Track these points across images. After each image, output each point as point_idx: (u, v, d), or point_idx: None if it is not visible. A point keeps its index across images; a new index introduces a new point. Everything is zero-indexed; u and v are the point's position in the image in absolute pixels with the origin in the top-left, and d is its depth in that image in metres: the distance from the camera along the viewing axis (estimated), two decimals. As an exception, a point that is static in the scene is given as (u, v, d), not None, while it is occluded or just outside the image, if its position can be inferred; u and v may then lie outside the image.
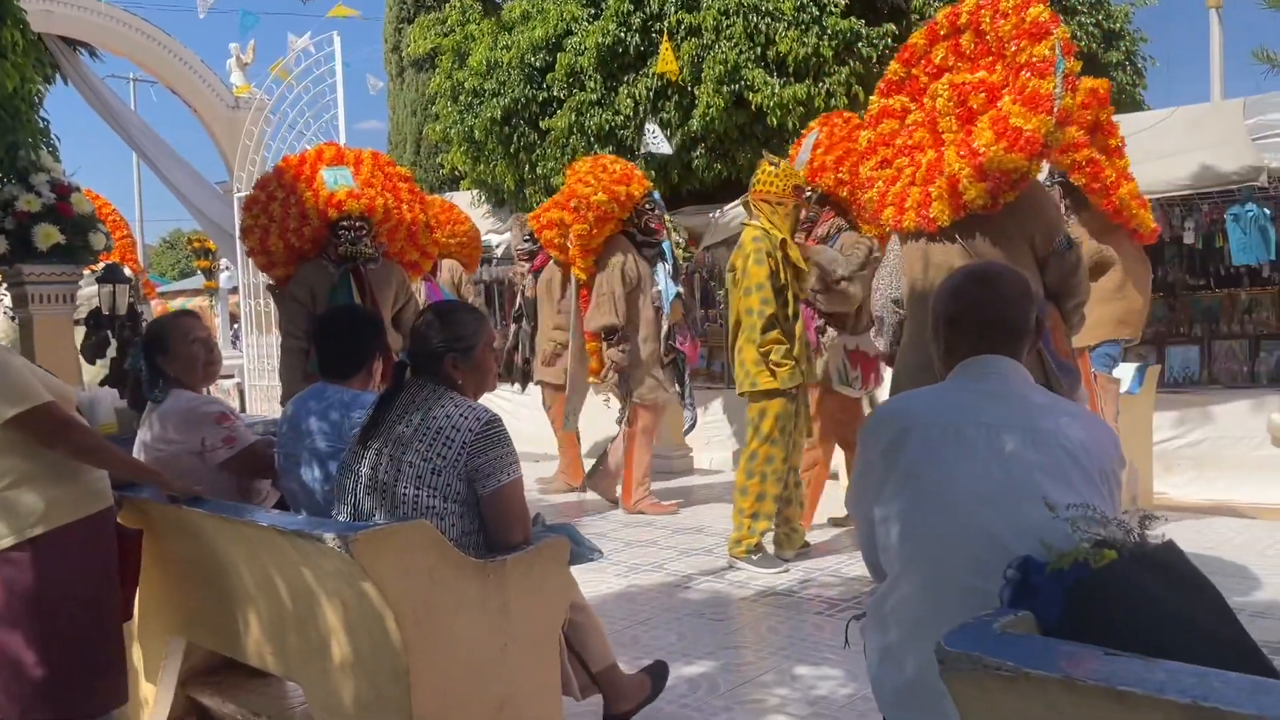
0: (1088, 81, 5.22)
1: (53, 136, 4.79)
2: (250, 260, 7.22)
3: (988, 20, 3.79)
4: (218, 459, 3.40)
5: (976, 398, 1.93)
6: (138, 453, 3.45)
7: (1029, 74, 3.65)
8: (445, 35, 11.20)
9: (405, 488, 2.75)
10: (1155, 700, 1.23)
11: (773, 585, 4.89)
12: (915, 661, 1.84)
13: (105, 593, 2.91)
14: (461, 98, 10.09)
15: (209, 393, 3.87)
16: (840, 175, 5.50)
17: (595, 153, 7.87)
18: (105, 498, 2.90)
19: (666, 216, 6.66)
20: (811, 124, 6.12)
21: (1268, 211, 6.41)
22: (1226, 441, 6.70)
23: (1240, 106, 6.94)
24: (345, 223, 5.36)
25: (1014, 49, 3.73)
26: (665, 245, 6.46)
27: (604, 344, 6.27)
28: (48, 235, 5.53)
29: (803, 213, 5.46)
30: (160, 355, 3.49)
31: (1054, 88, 3.55)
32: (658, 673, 3.43)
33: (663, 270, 6.40)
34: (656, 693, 3.39)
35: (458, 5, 11.66)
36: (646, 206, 6.37)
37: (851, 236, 5.51)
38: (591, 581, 4.54)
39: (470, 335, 2.92)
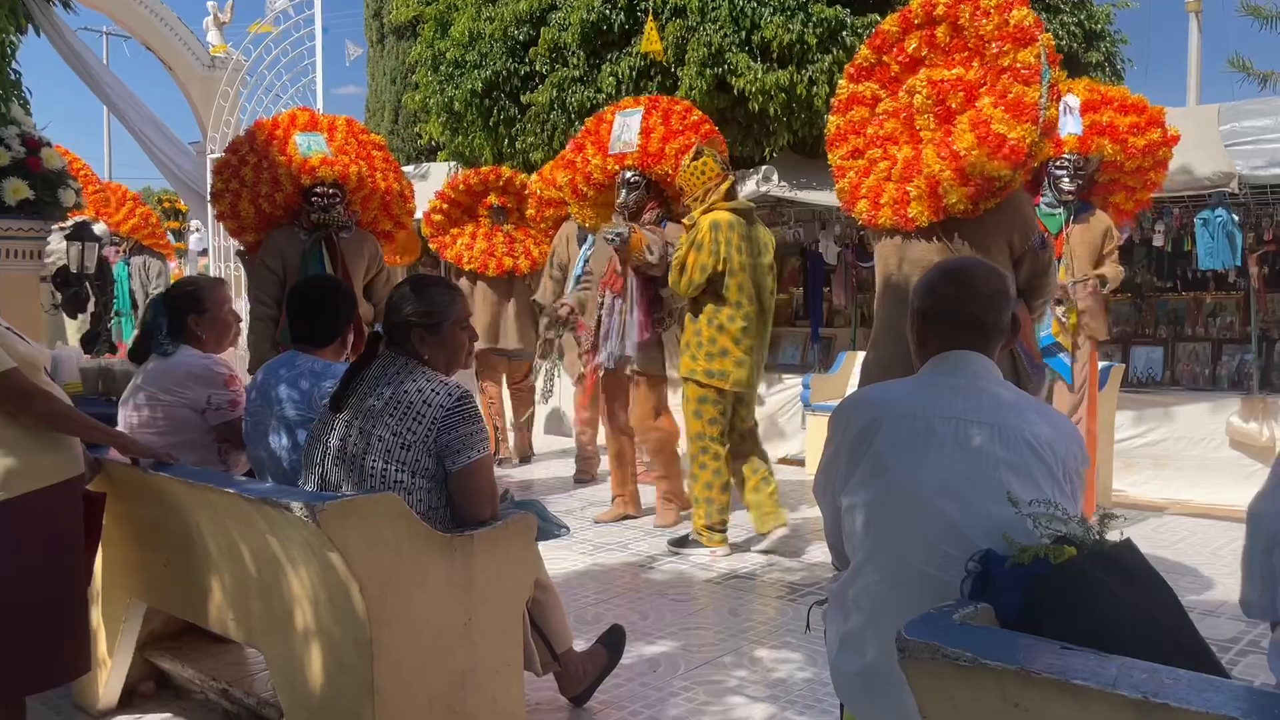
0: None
1: (24, 90, 4.70)
2: (221, 224, 7.14)
3: (967, 16, 3.78)
4: (218, 419, 3.42)
5: (946, 393, 1.94)
6: (130, 397, 3.45)
7: (1011, 79, 3.66)
8: (428, 3, 11.08)
9: (374, 461, 2.75)
10: (1107, 695, 1.26)
11: (735, 568, 4.93)
12: (875, 648, 1.86)
13: (70, 561, 2.87)
14: (442, 68, 10.00)
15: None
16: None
17: (575, 130, 7.84)
18: (75, 465, 2.86)
19: None
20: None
21: (1236, 218, 6.49)
22: (1185, 442, 6.81)
23: (1215, 112, 7.00)
24: (319, 189, 5.30)
25: (995, 50, 3.72)
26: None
27: None
28: (16, 190, 5.43)
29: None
30: (194, 315, 3.50)
31: (1040, 96, 3.58)
32: (614, 640, 3.46)
33: None
34: (616, 657, 3.42)
35: (442, -28, 11.54)
36: None
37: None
38: (557, 559, 4.56)
39: (439, 310, 2.90)
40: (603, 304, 5.70)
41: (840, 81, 4.22)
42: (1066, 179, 5.16)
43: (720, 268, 4.95)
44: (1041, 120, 3.58)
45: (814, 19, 8.07)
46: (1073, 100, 5.17)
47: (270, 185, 5.28)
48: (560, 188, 6.29)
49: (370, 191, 5.64)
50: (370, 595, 2.57)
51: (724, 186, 5.12)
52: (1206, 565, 4.85)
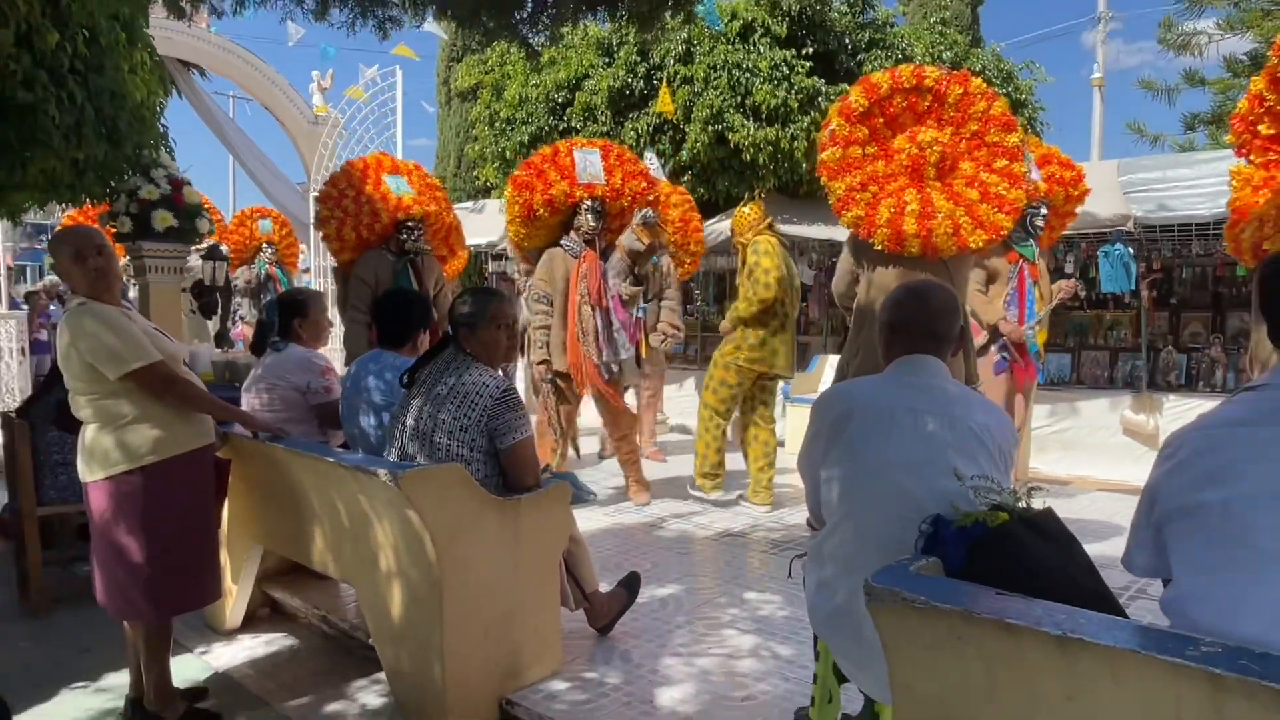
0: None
1: (170, 140, 4.73)
2: (323, 245, 7.14)
3: (955, 94, 3.74)
4: (315, 400, 3.44)
5: (906, 389, 1.93)
6: (252, 385, 3.46)
7: (998, 153, 3.74)
8: (486, 73, 11.09)
9: (440, 437, 2.76)
10: (1034, 631, 1.25)
11: (729, 528, 4.92)
12: (845, 592, 1.85)
13: (203, 512, 2.89)
14: (496, 124, 10.01)
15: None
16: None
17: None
18: (207, 436, 2.87)
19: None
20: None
21: (1131, 251, 6.44)
22: (1088, 430, 6.76)
23: (1115, 166, 6.95)
24: (410, 223, 5.33)
25: (977, 127, 3.73)
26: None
27: None
28: (163, 219, 5.46)
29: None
30: (298, 318, 3.51)
31: (1027, 171, 3.74)
32: (632, 583, 3.46)
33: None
34: (633, 597, 3.41)
35: (497, 49, 11.54)
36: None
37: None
38: (585, 518, 4.56)
39: (476, 313, 2.88)
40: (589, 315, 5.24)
41: (836, 119, 3.96)
42: (1039, 219, 5.15)
43: (782, 273, 5.06)
44: (1027, 186, 3.78)
45: (795, 87, 8.07)
46: (1030, 156, 5.18)
47: (370, 216, 5.27)
48: (514, 204, 5.49)
49: (439, 225, 5.68)
50: (439, 544, 2.58)
51: (766, 222, 5.27)
52: (1105, 528, 4.82)
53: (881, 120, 3.85)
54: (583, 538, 3.26)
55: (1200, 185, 6.40)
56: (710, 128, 8.15)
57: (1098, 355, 7.38)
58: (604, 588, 3.36)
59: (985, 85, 3.88)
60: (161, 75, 4.31)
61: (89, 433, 2.68)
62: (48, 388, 3.97)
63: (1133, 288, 6.61)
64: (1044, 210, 5.14)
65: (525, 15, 3.20)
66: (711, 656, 3.14)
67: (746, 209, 5.34)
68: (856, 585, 1.62)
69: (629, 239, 5.14)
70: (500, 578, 2.76)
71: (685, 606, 3.65)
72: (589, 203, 5.25)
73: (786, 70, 8.15)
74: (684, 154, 8.40)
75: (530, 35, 3.29)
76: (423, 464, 2.71)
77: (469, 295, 2.95)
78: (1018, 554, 1.51)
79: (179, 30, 8.96)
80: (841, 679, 1.99)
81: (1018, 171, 3.75)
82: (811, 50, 8.47)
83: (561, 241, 5.33)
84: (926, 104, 3.79)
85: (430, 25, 9.30)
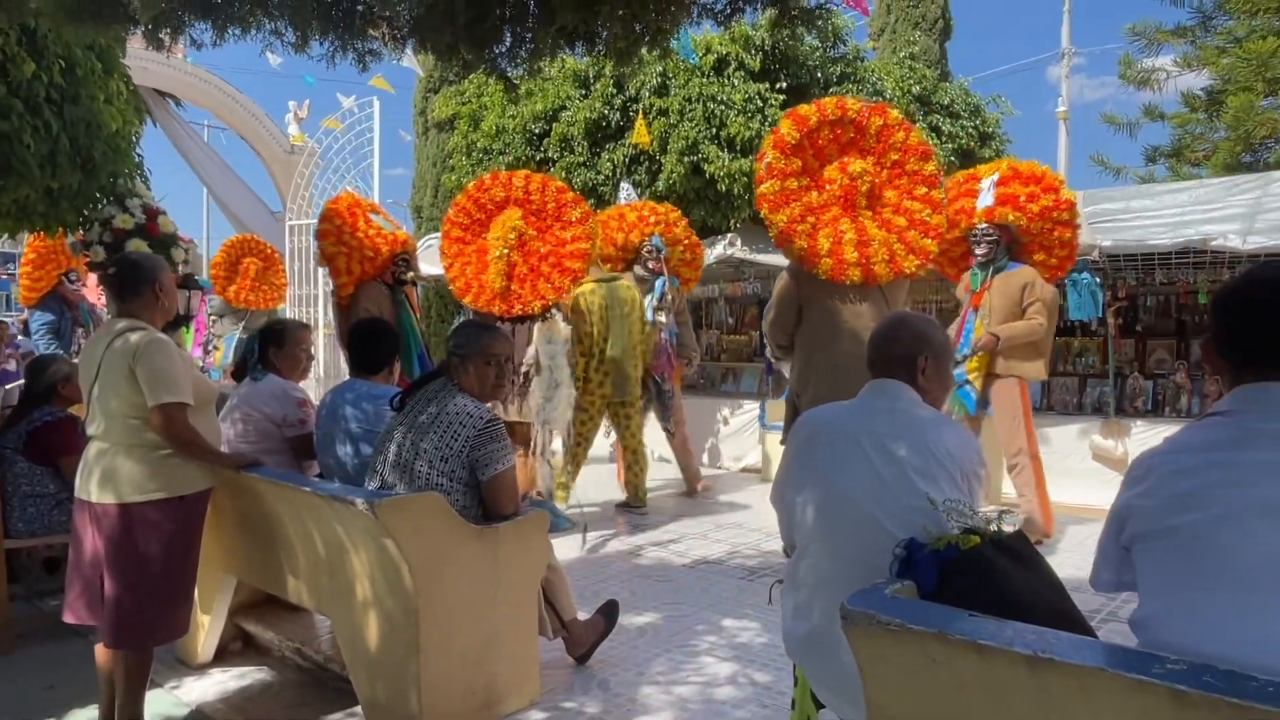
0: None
1: (145, 169, 4.72)
2: (300, 275, 7.13)
3: (875, 125, 3.87)
4: (291, 432, 3.42)
5: (875, 414, 1.96)
6: (227, 414, 3.45)
7: (917, 181, 3.85)
8: (463, 104, 11.16)
9: (421, 466, 2.75)
10: (1005, 651, 1.27)
11: (706, 555, 4.92)
12: (819, 614, 1.86)
13: (198, 547, 2.91)
14: (474, 154, 10.07)
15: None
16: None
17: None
18: (214, 478, 2.96)
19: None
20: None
21: (1098, 279, 6.57)
22: (1059, 455, 6.84)
23: (1081, 197, 7.10)
24: (404, 256, 5.53)
25: (897, 157, 3.87)
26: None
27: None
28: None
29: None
30: (274, 348, 3.50)
31: (943, 197, 3.83)
32: (610, 611, 3.45)
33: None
34: (611, 625, 3.40)
35: (475, 80, 11.64)
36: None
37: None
38: (564, 547, 4.54)
39: (467, 345, 2.90)
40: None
41: (771, 152, 4.10)
42: (977, 245, 5.11)
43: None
44: (946, 211, 3.85)
45: (769, 119, 8.19)
46: (986, 182, 5.08)
47: (373, 250, 5.41)
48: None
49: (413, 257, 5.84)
50: (416, 573, 2.57)
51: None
52: (1076, 551, 4.88)
53: (811, 152, 3.99)
54: (561, 566, 3.25)
55: (1162, 216, 6.56)
56: (686, 159, 8.25)
57: (1067, 382, 7.49)
58: (582, 616, 3.34)
59: (902, 117, 4.02)
60: (137, 105, 4.31)
61: (113, 454, 2.69)
62: (16, 418, 3.91)
63: (1100, 315, 6.74)
64: (984, 234, 5.03)
65: (504, 49, 3.25)
66: (690, 684, 3.13)
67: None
68: (830, 609, 1.63)
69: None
70: (478, 607, 2.75)
71: (663, 634, 3.64)
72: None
73: (760, 103, 8.28)
74: (660, 184, 8.49)
75: (508, 68, 3.34)
76: (401, 493, 2.70)
77: (464, 328, 2.97)
78: (989, 576, 1.53)
79: (155, 60, 8.97)
80: (819, 705, 2.00)
81: (937, 198, 3.87)
82: (785, 84, 8.62)
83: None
84: (850, 135, 3.94)
85: (409, 59, 9.36)
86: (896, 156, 3.89)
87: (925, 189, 3.89)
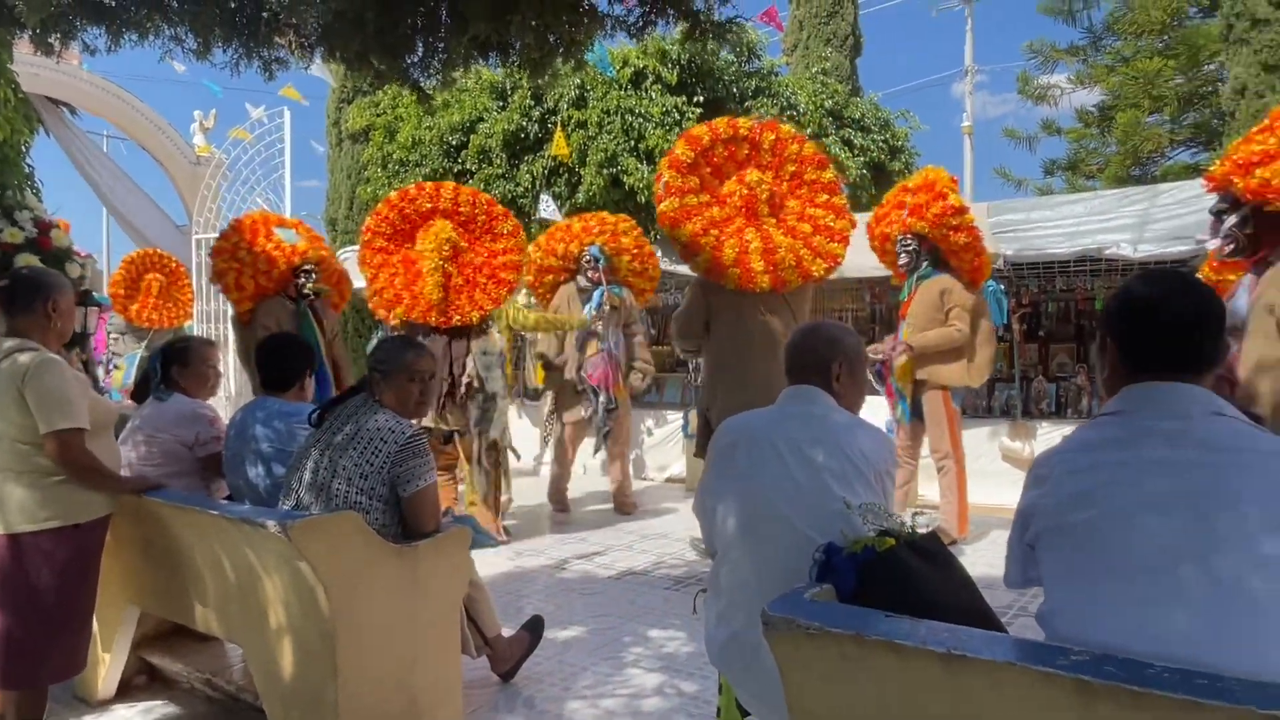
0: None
1: (37, 181, 4.48)
2: (212, 292, 6.87)
3: (769, 140, 3.98)
4: (205, 452, 3.28)
5: (792, 419, 1.99)
6: (129, 436, 3.29)
7: (819, 189, 3.97)
8: (378, 115, 10.97)
9: (339, 485, 2.67)
10: (920, 650, 1.30)
11: (632, 567, 4.91)
12: (741, 620, 1.87)
13: (96, 577, 2.78)
14: (390, 166, 9.90)
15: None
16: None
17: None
18: (114, 504, 2.83)
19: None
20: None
21: (1002, 287, 6.82)
22: (971, 457, 7.03)
23: (985, 208, 7.38)
24: (306, 268, 5.32)
25: (795, 168, 3.98)
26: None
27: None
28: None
29: None
30: (178, 366, 3.35)
31: (844, 201, 3.97)
32: (535, 626, 3.41)
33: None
34: (536, 640, 3.36)
35: (389, 91, 11.46)
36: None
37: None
38: (487, 563, 4.47)
39: (389, 361, 2.84)
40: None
41: (667, 171, 4.15)
42: (900, 256, 5.16)
43: None
44: (848, 216, 3.98)
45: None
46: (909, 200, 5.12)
47: (267, 264, 5.23)
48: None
49: (329, 270, 5.63)
50: (333, 595, 2.48)
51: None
52: (989, 549, 5.04)
53: (708, 170, 4.08)
54: (483, 582, 3.20)
55: (1060, 226, 6.87)
56: (605, 171, 8.28)
57: (977, 386, 7.77)
58: (507, 632, 3.29)
59: (794, 130, 4.17)
60: (26, 113, 4.09)
61: (1, 481, 2.54)
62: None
63: (1005, 322, 7.00)
64: (903, 244, 5.08)
65: (416, 59, 3.20)
66: (616, 697, 3.11)
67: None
68: (751, 615, 1.64)
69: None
70: (398, 627, 2.68)
71: (589, 648, 3.61)
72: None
73: (678, 116, 8.38)
74: (580, 196, 8.50)
75: (421, 79, 3.30)
76: (315, 513, 2.62)
77: (387, 343, 2.90)
78: (905, 577, 1.56)
79: (46, 66, 8.54)
80: (744, 712, 2.01)
81: (839, 204, 4.01)
82: (702, 98, 8.74)
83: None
84: (745, 152, 4.04)
85: (318, 68, 9.13)
86: (794, 167, 3.99)
87: (826, 195, 4.02)
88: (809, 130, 9.29)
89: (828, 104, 9.80)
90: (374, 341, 3.10)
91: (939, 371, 5.19)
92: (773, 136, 4.00)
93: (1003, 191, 13.40)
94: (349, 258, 7.47)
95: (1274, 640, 1.22)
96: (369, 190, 10.62)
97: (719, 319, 3.95)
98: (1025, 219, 7.08)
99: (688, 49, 8.49)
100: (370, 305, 5.55)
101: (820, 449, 1.88)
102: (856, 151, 10.04)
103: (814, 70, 11.44)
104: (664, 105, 8.42)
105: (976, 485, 6.88)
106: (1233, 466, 1.30)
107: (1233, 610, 1.22)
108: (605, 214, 6.67)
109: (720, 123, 4.04)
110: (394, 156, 9.83)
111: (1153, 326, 1.42)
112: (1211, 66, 10.20)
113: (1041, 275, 7.36)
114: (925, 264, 5.17)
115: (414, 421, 2.84)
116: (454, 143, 9.28)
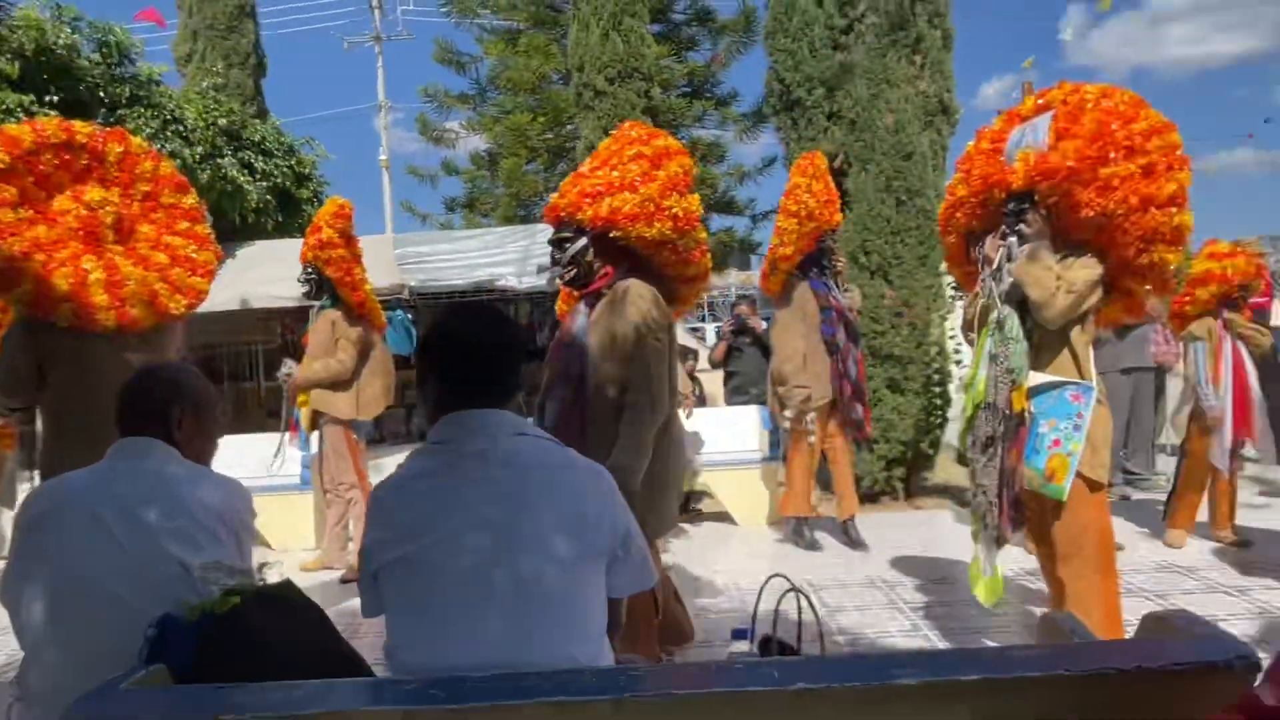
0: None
1: None
2: None
3: (115, 152, 3.50)
4: None
5: (118, 478, 1.68)
6: None
7: (181, 217, 3.61)
8: None
9: None
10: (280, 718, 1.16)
11: None
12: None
13: None
14: None
15: None
16: None
17: None
18: None
19: None
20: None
21: (410, 316, 7.09)
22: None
23: (391, 240, 7.61)
24: None
25: (149, 188, 3.56)
26: None
27: None
28: None
29: None
30: None
31: (208, 231, 3.68)
32: None
33: None
34: None
35: None
36: None
37: None
38: None
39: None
40: None
41: None
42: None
43: None
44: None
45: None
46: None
47: None
48: None
49: None
50: None
51: None
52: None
53: (32, 180, 3.41)
54: None
55: (458, 259, 7.41)
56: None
57: (395, 413, 7.92)
58: None
59: (148, 145, 3.80)
60: None
61: None
62: None
63: (415, 350, 7.29)
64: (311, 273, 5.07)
65: None
66: None
67: None
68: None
69: None
70: None
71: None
72: None
73: (25, 117, 6.93)
74: None
75: None
76: None
77: None
78: (251, 637, 1.41)
79: None
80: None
81: (202, 233, 3.71)
82: (58, 99, 7.40)
83: None
84: (84, 162, 3.51)
85: None
86: (148, 188, 3.51)
87: (188, 223, 3.61)
88: (199, 149, 8.50)
89: (222, 122, 9.09)
90: None
91: (328, 401, 5.12)
92: (119, 149, 3.42)
93: (413, 224, 14.11)
94: None
95: (574, 633, 1.37)
96: None
97: (55, 364, 3.20)
98: (430, 251, 7.46)
99: (31, 37, 7.08)
100: None
101: (153, 508, 1.61)
102: (260, 175, 9.52)
103: (205, 85, 10.53)
104: (6, 103, 6.91)
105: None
106: (532, 479, 1.43)
107: (535, 608, 1.34)
108: None
109: (49, 124, 3.31)
110: None
111: (462, 356, 1.51)
112: (571, 126, 12.02)
113: (445, 305, 7.82)
114: (319, 295, 5.16)
115: None
116: None
